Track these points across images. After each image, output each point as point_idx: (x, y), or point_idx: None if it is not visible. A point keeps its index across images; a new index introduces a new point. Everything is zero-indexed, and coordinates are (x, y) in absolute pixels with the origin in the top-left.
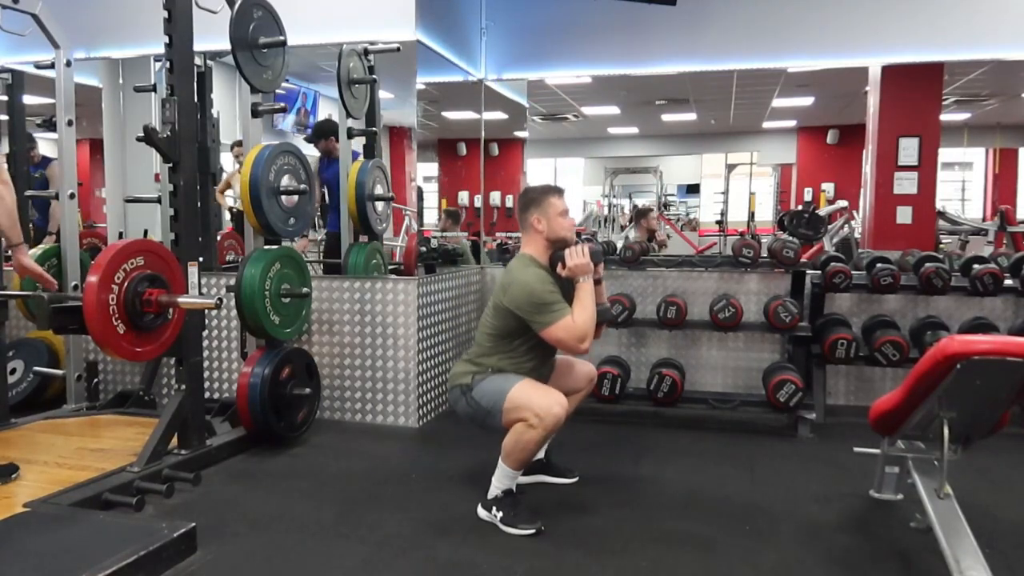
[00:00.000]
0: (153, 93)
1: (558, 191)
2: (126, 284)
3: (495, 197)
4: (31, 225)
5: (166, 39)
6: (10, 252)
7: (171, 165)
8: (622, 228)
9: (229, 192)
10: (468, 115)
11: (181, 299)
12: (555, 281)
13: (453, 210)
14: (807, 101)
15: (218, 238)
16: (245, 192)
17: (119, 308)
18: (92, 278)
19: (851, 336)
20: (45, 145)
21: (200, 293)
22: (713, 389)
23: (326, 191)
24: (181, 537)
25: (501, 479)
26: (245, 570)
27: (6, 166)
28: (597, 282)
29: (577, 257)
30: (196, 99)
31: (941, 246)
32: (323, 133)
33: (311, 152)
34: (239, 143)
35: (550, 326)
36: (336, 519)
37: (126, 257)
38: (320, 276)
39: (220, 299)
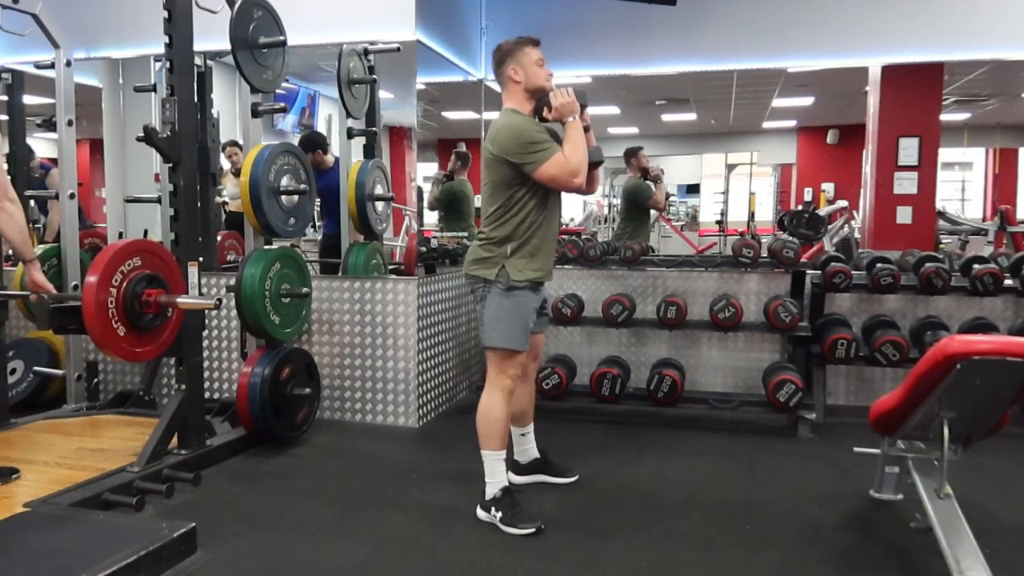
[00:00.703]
0: (153, 93)
1: (533, 41)
2: (125, 284)
3: None
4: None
5: (166, 39)
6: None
7: (171, 165)
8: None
9: (224, 193)
10: (468, 115)
11: (180, 299)
12: (544, 129)
13: (463, 152)
14: (807, 101)
15: (218, 238)
16: (245, 192)
17: (118, 309)
18: (91, 278)
19: (851, 336)
20: (45, 145)
21: (200, 293)
22: (713, 389)
23: (319, 200)
24: (181, 537)
25: (491, 471)
26: (245, 570)
27: (9, 179)
28: (586, 129)
29: (562, 96)
30: (196, 99)
31: (941, 246)
32: (311, 147)
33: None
34: (232, 143)
35: (542, 163)
36: (336, 519)
37: (125, 257)
38: (320, 276)
39: (220, 299)
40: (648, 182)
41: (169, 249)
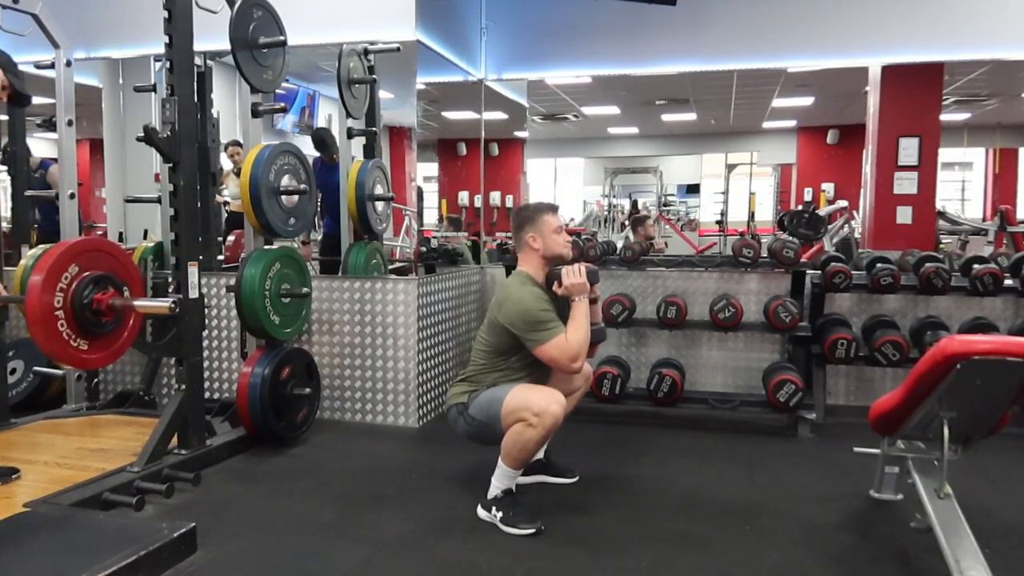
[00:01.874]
0: (153, 93)
1: (552, 208)
2: (74, 286)
3: (495, 197)
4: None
5: (166, 39)
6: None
7: (171, 165)
8: (622, 227)
9: (226, 193)
10: (468, 115)
11: (137, 302)
12: (550, 299)
13: (455, 217)
14: (807, 101)
15: (231, 238)
16: (245, 192)
17: (66, 313)
18: (35, 279)
19: (851, 336)
20: (45, 145)
21: (200, 293)
22: (713, 389)
23: (321, 194)
24: (181, 537)
25: (501, 479)
26: (245, 570)
27: None
28: (593, 301)
29: (573, 277)
30: (196, 99)
31: (941, 246)
32: (328, 143)
33: (310, 152)
34: (234, 143)
35: (543, 344)
36: (336, 519)
37: (73, 257)
38: (320, 276)
39: (174, 302)
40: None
41: (170, 249)
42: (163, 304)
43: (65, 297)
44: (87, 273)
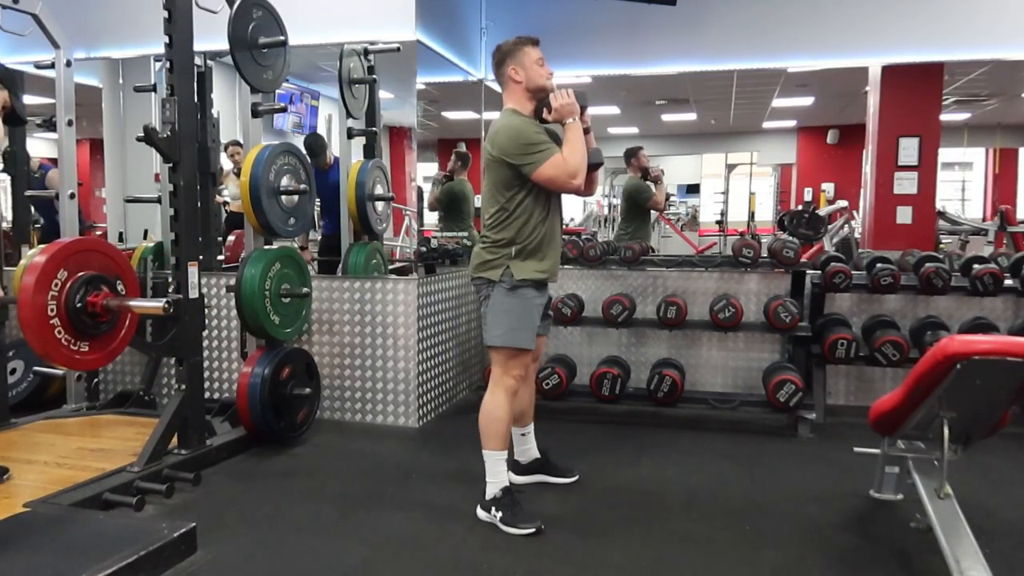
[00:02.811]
0: (153, 93)
1: (533, 40)
2: (68, 286)
3: None
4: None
5: (166, 39)
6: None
7: (171, 165)
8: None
9: (226, 193)
10: (468, 115)
11: (133, 303)
12: (543, 130)
13: (463, 152)
14: (807, 101)
15: (231, 238)
16: (245, 192)
17: (60, 313)
18: (27, 280)
19: (851, 336)
20: (45, 145)
21: (200, 293)
22: (713, 389)
23: (318, 200)
24: (181, 537)
25: (492, 470)
26: (245, 570)
27: None
28: (586, 131)
29: (562, 98)
30: (196, 99)
31: (941, 246)
32: (317, 152)
33: None
34: (234, 143)
35: (541, 164)
36: (336, 519)
37: (67, 257)
38: (320, 276)
39: (168, 302)
40: (648, 182)
41: (170, 249)
42: (157, 304)
43: (58, 299)
44: (80, 274)
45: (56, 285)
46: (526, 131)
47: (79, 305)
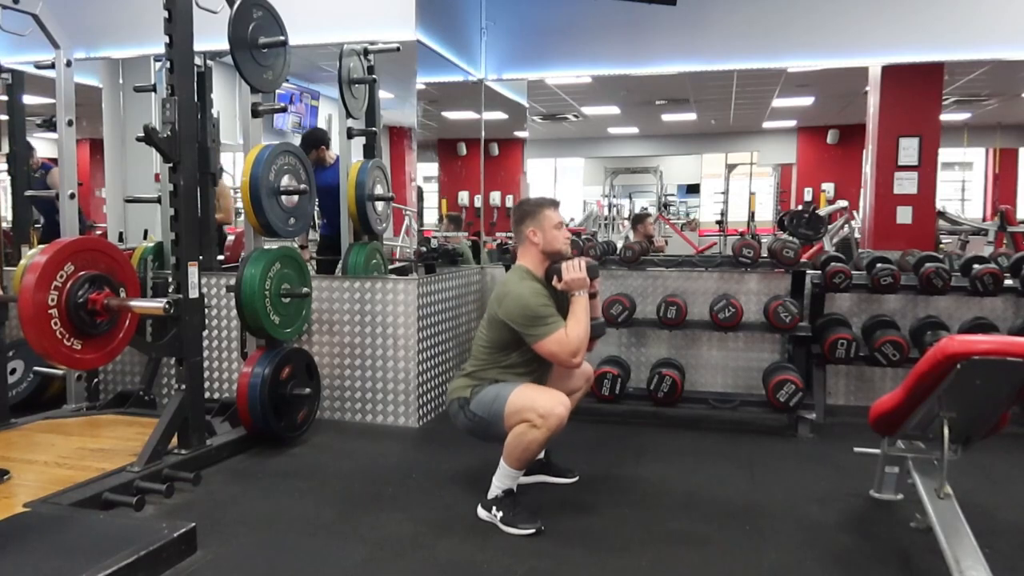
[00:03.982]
0: (153, 93)
1: (553, 203)
2: (69, 286)
3: (495, 197)
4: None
5: (166, 39)
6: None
7: (171, 165)
8: (622, 227)
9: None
10: (468, 115)
11: (134, 303)
12: (550, 294)
13: (455, 215)
14: (807, 101)
15: (231, 237)
16: (245, 192)
17: (61, 313)
18: (29, 278)
19: (851, 336)
20: (45, 145)
21: (200, 294)
22: (713, 389)
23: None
24: (181, 537)
25: (502, 479)
26: (245, 570)
27: None
28: (592, 296)
29: (573, 271)
30: (196, 99)
31: (941, 246)
32: (313, 143)
33: None
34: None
35: (543, 339)
36: (336, 519)
37: (68, 256)
38: (320, 276)
39: (169, 302)
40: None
41: (170, 249)
42: (157, 305)
43: (59, 296)
44: (82, 273)
45: (57, 283)
46: (533, 303)
47: (80, 303)
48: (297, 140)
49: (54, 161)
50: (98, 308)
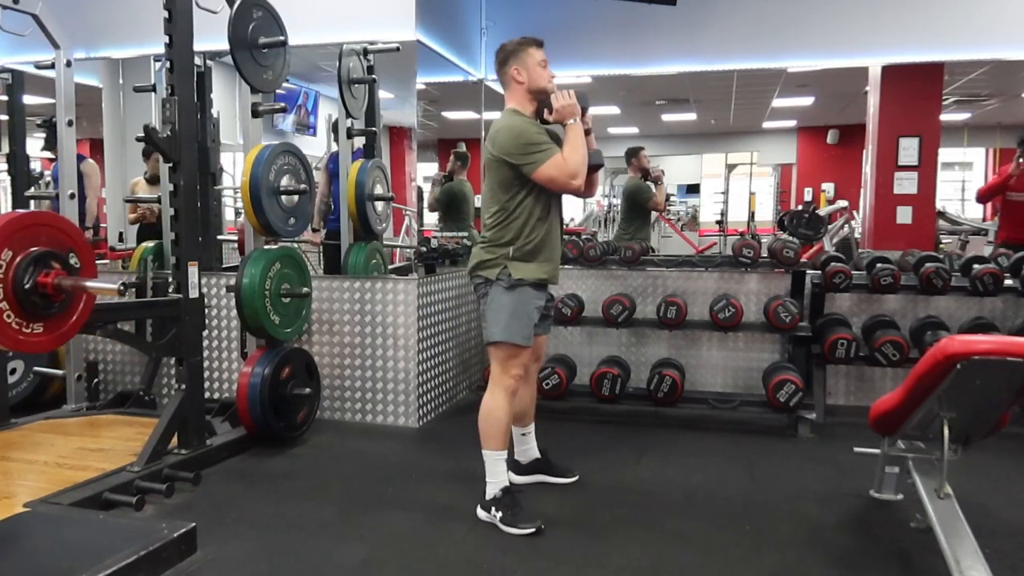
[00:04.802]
0: (153, 93)
1: (536, 42)
2: (17, 262)
3: None
4: None
5: (166, 39)
6: None
7: (171, 165)
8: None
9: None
10: (468, 115)
11: (89, 283)
12: (544, 131)
13: (462, 152)
14: (807, 101)
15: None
16: (245, 192)
17: (6, 290)
18: None
19: (851, 336)
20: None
21: (200, 293)
22: (713, 389)
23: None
24: (181, 537)
25: (492, 470)
26: (245, 570)
27: None
28: (587, 132)
29: (564, 98)
30: (196, 99)
31: (941, 246)
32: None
33: (311, 152)
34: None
35: (541, 164)
36: (336, 519)
37: (16, 231)
38: (320, 276)
39: (123, 284)
40: (648, 183)
41: (170, 249)
42: (112, 286)
43: (5, 279)
44: (33, 249)
45: (2, 263)
46: (527, 131)
47: (28, 286)
48: (298, 140)
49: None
50: (49, 289)
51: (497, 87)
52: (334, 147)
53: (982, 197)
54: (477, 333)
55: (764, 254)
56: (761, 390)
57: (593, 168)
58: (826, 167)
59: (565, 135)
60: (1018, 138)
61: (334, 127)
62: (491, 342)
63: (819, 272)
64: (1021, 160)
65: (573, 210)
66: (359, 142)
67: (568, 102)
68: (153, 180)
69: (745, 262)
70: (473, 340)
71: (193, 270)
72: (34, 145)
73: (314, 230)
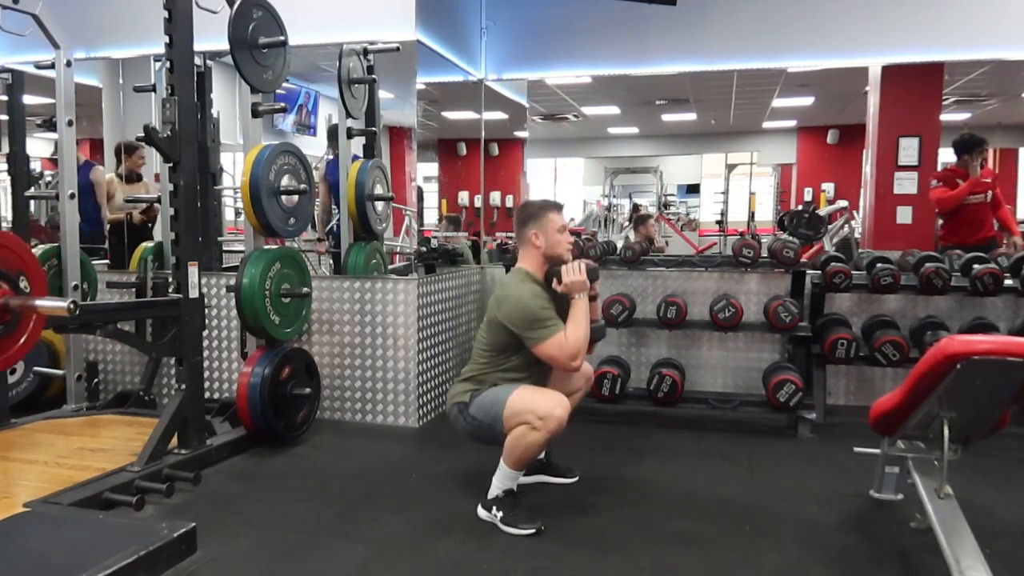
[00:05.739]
0: (153, 93)
1: (557, 207)
2: None
3: (495, 197)
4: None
5: (166, 39)
6: None
7: (171, 165)
8: (622, 228)
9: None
10: (468, 115)
11: (38, 302)
12: (550, 296)
13: (454, 216)
14: (807, 101)
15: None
16: (245, 192)
17: None
18: None
19: (851, 336)
20: (45, 145)
21: (200, 293)
22: (713, 389)
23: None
24: (181, 537)
25: (502, 479)
26: (245, 570)
27: None
28: (592, 298)
29: (573, 274)
30: (196, 99)
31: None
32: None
33: (311, 152)
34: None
35: (543, 342)
36: (336, 519)
37: None
38: (320, 276)
39: (74, 302)
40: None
41: (170, 249)
42: (62, 305)
43: None
44: None
45: None
46: (532, 306)
47: None
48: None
49: (54, 162)
50: None
51: (497, 87)
52: (330, 154)
53: (950, 208)
54: (477, 333)
55: (764, 254)
56: (761, 390)
57: (593, 341)
58: (826, 167)
59: (571, 309)
60: (962, 140)
61: (330, 134)
62: (515, 424)
63: (819, 272)
64: (980, 163)
65: (573, 210)
66: (357, 144)
67: (578, 278)
68: (130, 178)
69: (745, 262)
70: (473, 340)
71: (193, 270)
72: (34, 145)
73: (319, 239)
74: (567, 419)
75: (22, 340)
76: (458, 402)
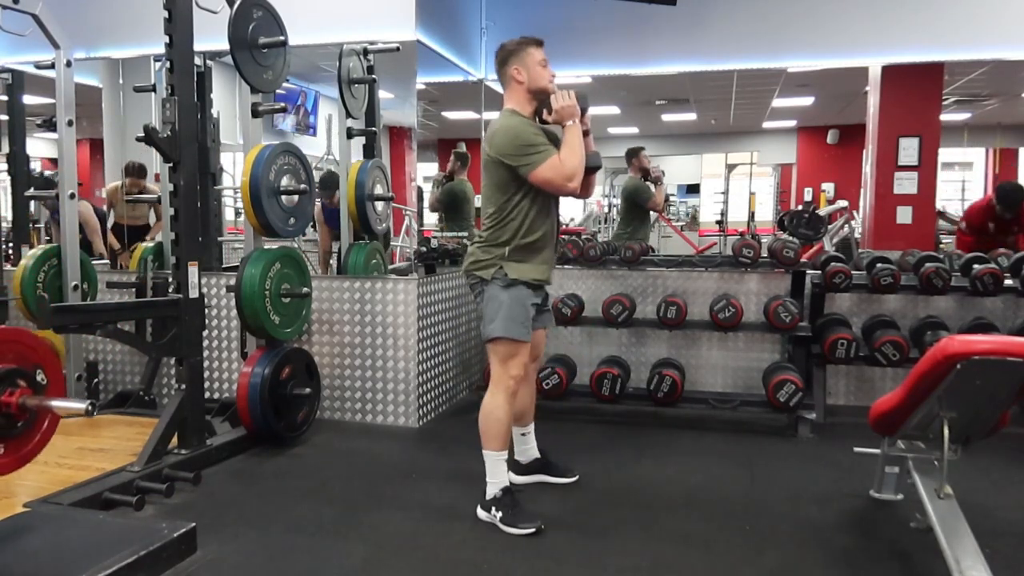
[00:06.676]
0: (153, 93)
1: (537, 41)
2: None
3: None
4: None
5: (166, 39)
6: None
7: (171, 165)
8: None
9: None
10: (468, 115)
11: (54, 403)
12: (542, 131)
13: (463, 152)
14: (807, 101)
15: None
16: (245, 192)
17: None
18: None
19: (851, 336)
20: (45, 145)
21: (200, 294)
22: (713, 389)
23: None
24: (181, 537)
25: (492, 471)
26: (245, 570)
27: None
28: (585, 133)
29: (563, 100)
30: (196, 99)
31: (941, 246)
32: (333, 186)
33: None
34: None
35: (537, 166)
36: (336, 519)
37: None
38: (320, 276)
39: (92, 403)
40: (648, 183)
41: (170, 249)
42: (80, 406)
43: None
44: None
45: None
46: (524, 132)
47: None
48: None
49: (54, 163)
50: (12, 409)
51: (497, 87)
52: (323, 200)
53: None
54: (477, 333)
55: (764, 254)
56: (761, 390)
57: (591, 170)
58: (826, 167)
59: (563, 136)
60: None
61: (323, 183)
62: (490, 339)
63: (819, 272)
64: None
65: (573, 210)
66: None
67: (568, 103)
68: (130, 192)
69: (745, 262)
70: (473, 340)
71: (193, 270)
72: (34, 145)
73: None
74: (518, 386)
75: (37, 438)
76: (480, 276)
